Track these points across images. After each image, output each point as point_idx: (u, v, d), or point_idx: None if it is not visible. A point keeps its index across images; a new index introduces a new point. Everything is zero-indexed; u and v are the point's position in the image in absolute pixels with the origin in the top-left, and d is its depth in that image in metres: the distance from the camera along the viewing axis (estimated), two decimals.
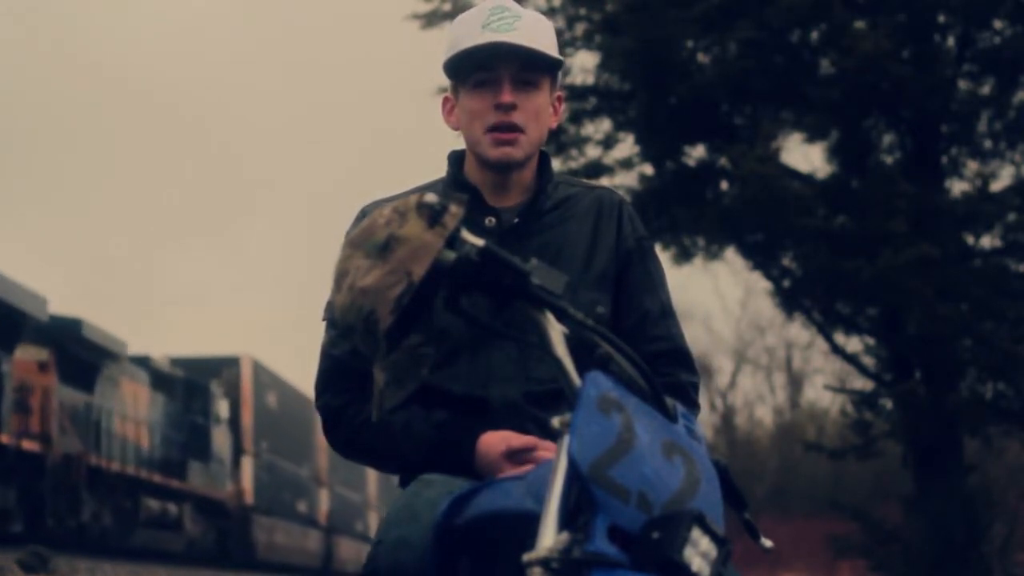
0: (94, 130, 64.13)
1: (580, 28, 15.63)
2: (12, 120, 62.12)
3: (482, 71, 2.76)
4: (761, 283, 28.90)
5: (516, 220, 2.81)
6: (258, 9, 67.13)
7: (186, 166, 63.94)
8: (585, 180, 3.03)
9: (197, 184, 64.43)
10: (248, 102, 67.01)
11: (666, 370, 2.79)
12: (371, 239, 2.17)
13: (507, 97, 2.74)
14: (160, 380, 23.55)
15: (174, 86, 64.03)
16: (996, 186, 15.47)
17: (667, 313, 2.88)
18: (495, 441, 2.65)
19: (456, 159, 2.90)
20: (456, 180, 2.86)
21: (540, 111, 2.80)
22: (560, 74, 2.90)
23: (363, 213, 2.79)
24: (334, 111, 64.88)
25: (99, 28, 64.13)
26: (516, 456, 2.60)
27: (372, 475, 36.21)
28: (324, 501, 31.57)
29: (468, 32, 2.75)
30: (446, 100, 2.88)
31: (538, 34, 2.76)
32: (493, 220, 2.80)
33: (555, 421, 2.09)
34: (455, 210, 2.16)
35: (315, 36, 65.45)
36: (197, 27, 65.50)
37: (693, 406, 2.81)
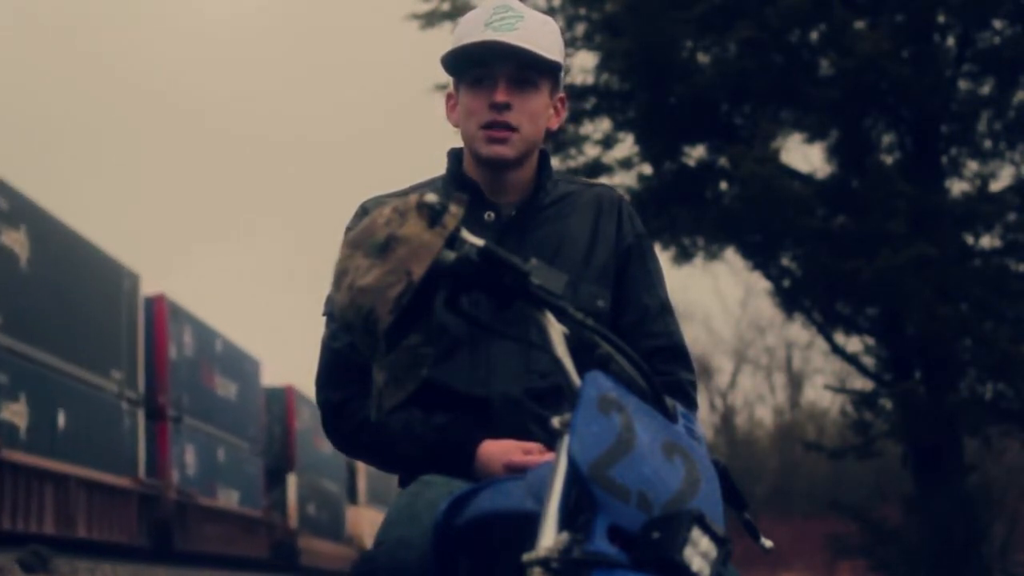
0: (118, 138, 64.44)
1: (580, 28, 15.63)
2: (37, 128, 62.39)
3: (479, 69, 2.76)
4: (761, 283, 28.92)
5: (514, 213, 2.82)
6: (276, 18, 67.32)
7: (207, 172, 64.16)
8: (584, 178, 3.03)
9: (215, 189, 64.60)
10: (264, 108, 67.19)
11: (664, 367, 2.79)
12: (371, 238, 2.17)
13: (501, 96, 2.74)
14: None
15: (197, 94, 64.26)
16: (996, 186, 15.49)
17: (666, 310, 2.89)
18: (496, 453, 2.65)
19: (456, 156, 2.90)
20: (456, 177, 2.86)
21: (536, 112, 2.79)
22: (563, 75, 2.90)
23: (363, 209, 2.79)
24: (348, 112, 64.96)
25: (122, 37, 64.38)
26: (516, 472, 2.59)
27: None
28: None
29: (470, 30, 2.76)
30: (449, 97, 2.89)
31: (539, 35, 2.76)
32: (492, 215, 2.80)
33: (555, 421, 2.09)
34: (455, 210, 2.16)
35: (332, 41, 65.53)
36: (218, 38, 65.70)
37: (692, 405, 2.81)
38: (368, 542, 29.46)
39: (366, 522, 30.75)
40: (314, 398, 2.86)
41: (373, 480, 31.60)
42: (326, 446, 27.73)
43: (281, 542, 24.26)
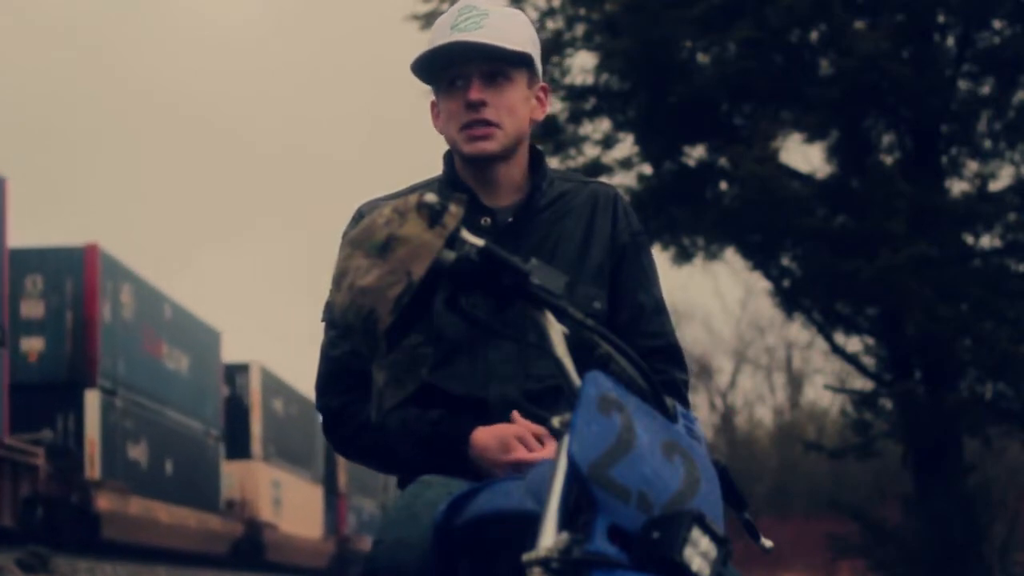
0: (121, 141, 64.66)
1: (580, 28, 15.63)
2: (41, 131, 62.56)
3: (450, 71, 2.77)
4: (761, 283, 28.92)
5: (510, 219, 2.82)
6: (278, 21, 67.46)
7: (209, 175, 64.33)
8: (580, 175, 3.02)
9: (216, 192, 64.75)
10: (265, 110, 67.30)
11: (660, 367, 2.79)
12: (371, 239, 2.17)
13: (475, 95, 2.74)
14: None
15: (197, 99, 64.44)
16: (996, 186, 15.51)
17: (660, 309, 2.89)
18: (493, 446, 2.64)
19: (451, 159, 2.90)
20: (451, 180, 2.86)
21: (514, 105, 2.78)
22: (543, 65, 2.89)
23: (360, 213, 2.79)
24: (349, 113, 65.09)
25: (124, 41, 64.54)
26: (519, 469, 2.59)
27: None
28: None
29: (439, 35, 2.76)
30: (433, 105, 2.89)
31: (506, 30, 2.75)
32: (488, 220, 2.80)
33: (555, 421, 2.10)
34: (455, 210, 2.16)
35: (333, 43, 65.62)
36: (221, 45, 65.83)
37: (686, 404, 2.81)
38: (266, 511, 23.45)
39: (264, 484, 22.99)
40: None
41: (279, 427, 22.89)
42: (179, 359, 19.19)
43: (52, 500, 14.82)
